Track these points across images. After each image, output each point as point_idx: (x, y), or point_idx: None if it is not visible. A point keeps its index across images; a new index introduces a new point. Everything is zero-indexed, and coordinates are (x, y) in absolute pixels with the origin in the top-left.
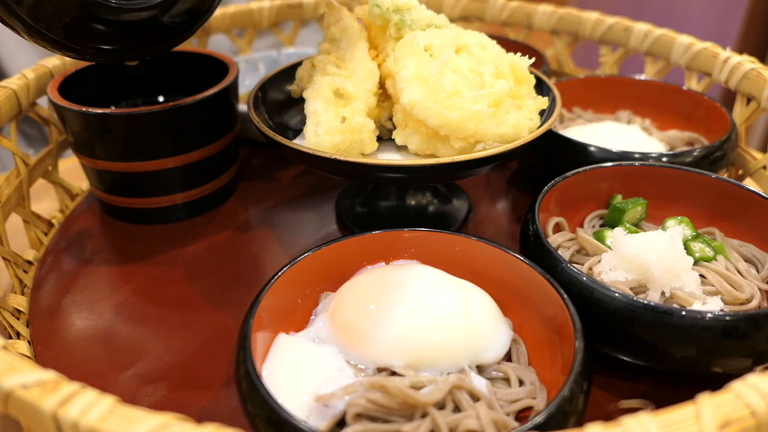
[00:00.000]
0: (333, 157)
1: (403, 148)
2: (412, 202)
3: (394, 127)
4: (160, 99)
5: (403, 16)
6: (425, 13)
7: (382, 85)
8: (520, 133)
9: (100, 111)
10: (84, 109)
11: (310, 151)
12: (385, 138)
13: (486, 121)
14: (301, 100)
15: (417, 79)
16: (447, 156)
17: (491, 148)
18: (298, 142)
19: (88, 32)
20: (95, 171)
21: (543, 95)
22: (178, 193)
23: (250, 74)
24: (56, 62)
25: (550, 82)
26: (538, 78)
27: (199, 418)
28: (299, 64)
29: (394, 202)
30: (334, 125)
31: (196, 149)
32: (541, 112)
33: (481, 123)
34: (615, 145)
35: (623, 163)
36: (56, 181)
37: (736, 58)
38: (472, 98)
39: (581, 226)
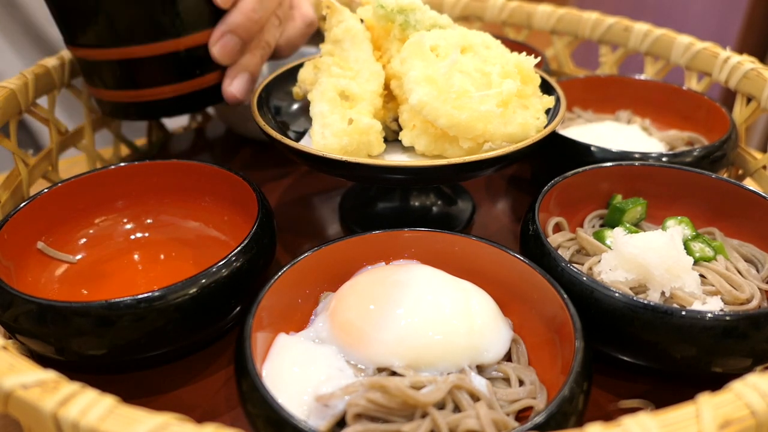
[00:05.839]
0: (343, 159)
1: (409, 149)
2: (416, 204)
3: (400, 128)
4: None
5: (408, 16)
6: (429, 13)
7: (386, 86)
8: (528, 133)
9: None
10: None
11: (320, 154)
12: (390, 139)
13: (495, 121)
14: (302, 101)
15: (425, 80)
16: (454, 156)
17: (500, 148)
18: (303, 143)
19: None
20: (93, 64)
21: (546, 95)
22: (172, 85)
23: None
24: (55, 62)
25: (555, 82)
26: (542, 78)
27: (199, 418)
28: (301, 65)
29: (398, 204)
30: (341, 127)
31: (194, 31)
32: (545, 112)
33: (489, 123)
34: (615, 145)
35: (623, 163)
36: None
37: (736, 58)
38: (481, 98)
39: (581, 226)
